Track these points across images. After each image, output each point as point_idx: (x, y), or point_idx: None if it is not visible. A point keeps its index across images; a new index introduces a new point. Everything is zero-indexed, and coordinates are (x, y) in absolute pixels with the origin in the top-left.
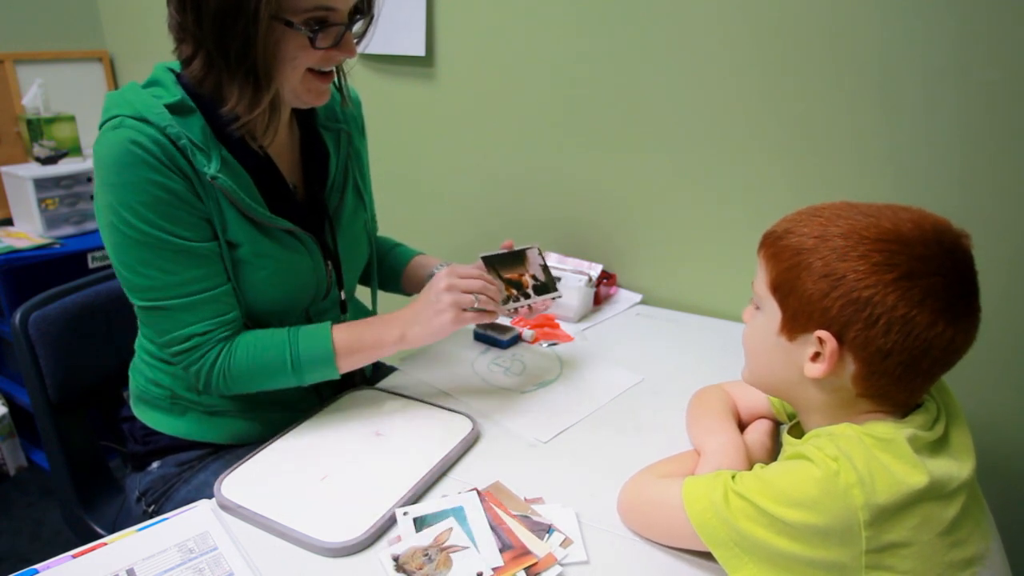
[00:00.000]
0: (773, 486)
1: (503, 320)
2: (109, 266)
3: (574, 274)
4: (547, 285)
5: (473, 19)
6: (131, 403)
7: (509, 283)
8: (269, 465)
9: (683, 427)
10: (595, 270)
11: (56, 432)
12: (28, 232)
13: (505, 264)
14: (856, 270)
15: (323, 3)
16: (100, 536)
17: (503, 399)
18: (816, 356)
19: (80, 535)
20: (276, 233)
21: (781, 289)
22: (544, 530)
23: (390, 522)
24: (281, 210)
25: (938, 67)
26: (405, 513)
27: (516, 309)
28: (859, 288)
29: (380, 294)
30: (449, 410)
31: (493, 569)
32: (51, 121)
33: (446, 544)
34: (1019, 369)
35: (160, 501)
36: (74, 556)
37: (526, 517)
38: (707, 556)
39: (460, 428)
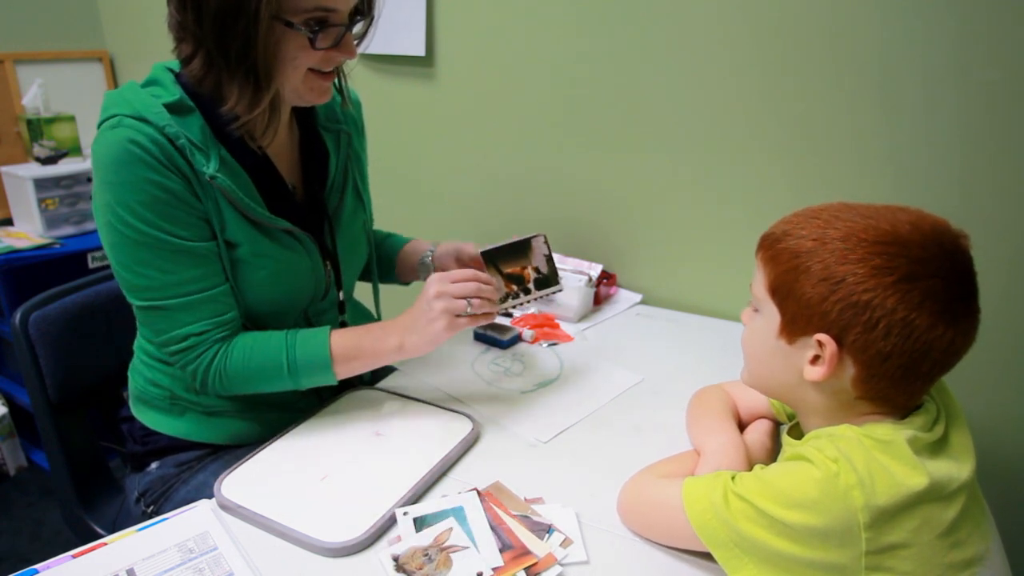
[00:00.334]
0: (773, 487)
1: (503, 320)
2: (109, 266)
3: (574, 274)
4: (549, 278)
5: (473, 19)
6: (130, 403)
7: (510, 278)
8: (269, 465)
9: (683, 427)
10: (595, 270)
11: (56, 432)
12: (28, 232)
13: (507, 257)
14: (855, 273)
15: (323, 4)
16: (100, 536)
17: (503, 399)
18: (815, 359)
19: (80, 535)
20: (275, 233)
21: (780, 292)
22: (544, 530)
23: (390, 522)
24: (280, 210)
25: (938, 67)
26: (405, 513)
27: (515, 307)
28: (858, 291)
29: (382, 293)
30: (449, 410)
31: (493, 569)
32: (51, 121)
33: (446, 544)
34: (1019, 370)
35: (159, 501)
36: (74, 556)
37: (526, 517)
38: (707, 557)
39: (460, 428)
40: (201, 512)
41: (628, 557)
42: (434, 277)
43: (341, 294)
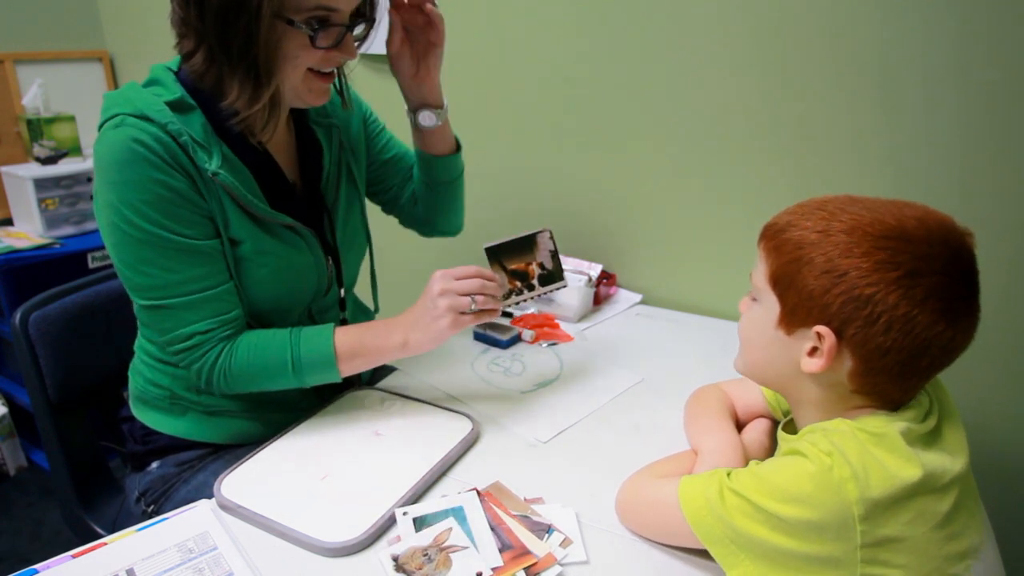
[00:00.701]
0: (768, 482)
1: (503, 320)
2: (109, 266)
3: (574, 274)
4: (554, 274)
5: (473, 19)
6: (131, 403)
7: (514, 274)
8: (269, 465)
9: (682, 427)
10: (595, 270)
11: (56, 432)
12: (28, 232)
13: (511, 253)
14: (859, 267)
15: (325, 3)
16: (100, 536)
17: (503, 399)
18: (814, 351)
19: (80, 535)
20: (277, 229)
21: (781, 283)
22: (544, 530)
23: (390, 522)
24: (281, 206)
25: (938, 67)
26: (405, 513)
27: (519, 303)
28: (861, 285)
29: (382, 292)
30: (449, 410)
31: (493, 569)
32: (51, 121)
33: (446, 544)
34: (1018, 369)
35: (160, 501)
36: (74, 556)
37: (526, 517)
38: (705, 555)
39: (460, 428)
40: (201, 512)
41: (628, 557)
42: (438, 274)
43: (342, 291)
